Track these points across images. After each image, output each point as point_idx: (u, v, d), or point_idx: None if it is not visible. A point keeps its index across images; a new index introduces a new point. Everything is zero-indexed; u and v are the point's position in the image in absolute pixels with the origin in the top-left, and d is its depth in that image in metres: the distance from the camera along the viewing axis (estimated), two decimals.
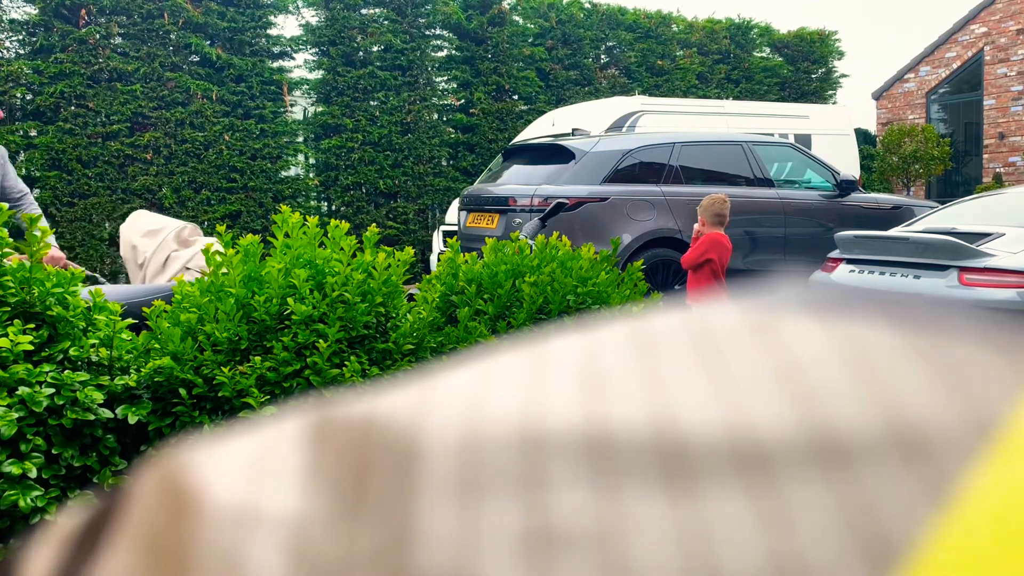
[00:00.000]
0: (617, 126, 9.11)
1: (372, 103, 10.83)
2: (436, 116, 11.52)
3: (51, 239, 3.44)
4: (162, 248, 3.46)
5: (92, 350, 1.72)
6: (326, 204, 10.99)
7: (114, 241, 9.26)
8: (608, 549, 0.16)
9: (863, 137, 15.29)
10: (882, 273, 4.67)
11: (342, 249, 1.91)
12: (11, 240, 1.76)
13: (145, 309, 1.81)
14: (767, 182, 7.01)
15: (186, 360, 1.72)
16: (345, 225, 1.95)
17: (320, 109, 10.79)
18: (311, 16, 10.76)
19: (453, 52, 11.73)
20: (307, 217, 1.95)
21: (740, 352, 0.19)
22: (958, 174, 15.69)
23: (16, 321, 1.61)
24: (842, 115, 11.34)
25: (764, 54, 14.41)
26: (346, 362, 1.79)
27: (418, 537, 0.17)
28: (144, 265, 3.47)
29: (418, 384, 0.21)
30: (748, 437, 0.17)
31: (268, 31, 10.39)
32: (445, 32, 11.68)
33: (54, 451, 1.58)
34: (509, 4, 11.95)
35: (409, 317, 1.97)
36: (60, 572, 0.22)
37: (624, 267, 5.55)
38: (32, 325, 1.68)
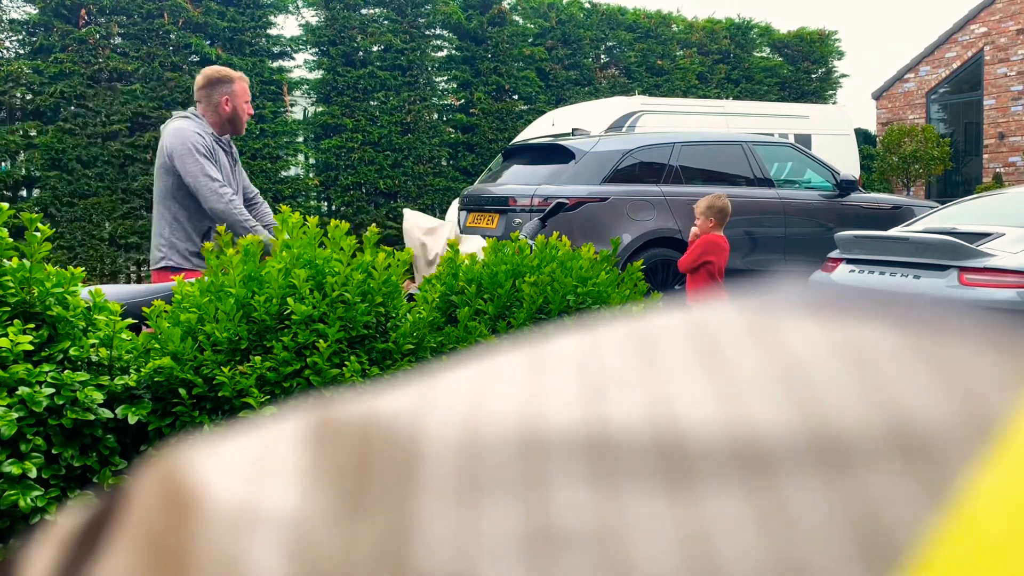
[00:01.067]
0: (617, 126, 9.11)
1: (372, 103, 10.83)
2: (436, 116, 11.52)
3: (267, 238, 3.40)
4: (438, 244, 3.75)
5: (92, 350, 1.72)
6: (326, 204, 10.99)
7: (114, 241, 9.27)
8: (608, 549, 0.16)
9: (863, 137, 15.29)
10: (882, 273, 4.67)
11: (342, 249, 1.91)
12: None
13: (145, 309, 1.81)
14: (767, 182, 7.01)
15: (186, 360, 1.72)
16: (345, 225, 1.95)
17: (320, 109, 10.79)
18: (311, 16, 10.76)
19: (453, 52, 11.73)
20: (307, 217, 1.95)
21: (740, 352, 0.19)
22: (958, 174, 15.69)
23: (16, 321, 1.61)
24: (842, 115, 11.34)
25: (764, 54, 14.41)
26: (346, 362, 1.79)
27: (418, 537, 0.17)
28: (434, 262, 3.70)
29: (418, 384, 0.21)
30: (748, 437, 0.17)
31: (268, 31, 10.39)
32: (445, 32, 11.68)
33: (54, 451, 1.58)
34: (509, 4, 11.95)
35: (409, 317, 1.97)
36: (60, 572, 0.22)
37: (624, 267, 5.55)
38: (32, 325, 1.68)
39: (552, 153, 6.61)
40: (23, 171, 9.03)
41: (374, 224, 2.54)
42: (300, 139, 10.83)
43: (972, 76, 15.55)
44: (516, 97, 12.10)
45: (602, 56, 12.97)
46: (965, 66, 15.60)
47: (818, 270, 5.25)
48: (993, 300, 4.05)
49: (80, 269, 1.79)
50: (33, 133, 9.08)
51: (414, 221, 3.85)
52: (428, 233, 3.79)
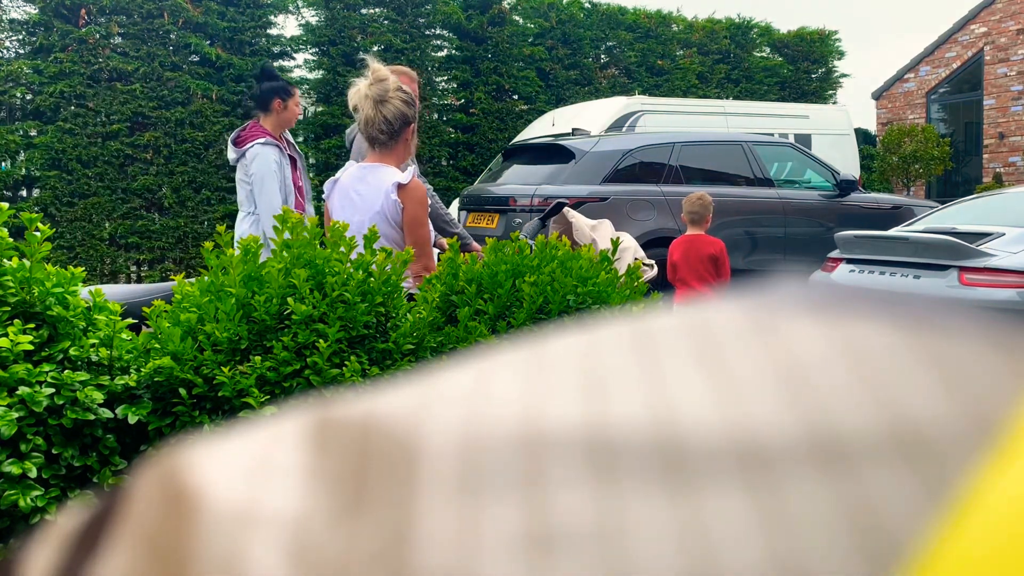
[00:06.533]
0: (617, 126, 9.11)
1: None
2: (436, 116, 11.51)
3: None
4: (605, 240, 3.96)
5: (92, 350, 1.72)
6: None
7: (114, 241, 9.27)
8: (608, 549, 0.16)
9: (863, 137, 15.28)
10: (882, 273, 4.67)
11: (342, 249, 1.90)
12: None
13: (145, 309, 1.81)
14: (767, 182, 7.01)
15: (186, 360, 1.72)
16: (345, 225, 1.95)
17: (320, 109, 10.78)
18: (311, 16, 10.76)
19: (453, 52, 11.72)
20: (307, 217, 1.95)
21: (740, 352, 0.19)
22: (958, 174, 15.69)
23: (16, 321, 1.61)
24: (842, 115, 11.34)
25: (764, 54, 14.40)
26: (346, 362, 1.79)
27: (418, 537, 0.17)
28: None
29: (418, 384, 0.21)
30: (749, 436, 0.17)
31: (268, 31, 10.39)
32: (445, 32, 11.67)
33: (54, 451, 1.58)
34: (509, 4, 11.94)
35: (409, 317, 1.97)
36: (60, 572, 0.22)
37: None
38: (32, 325, 1.68)
39: (552, 153, 6.61)
40: (23, 171, 9.02)
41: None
42: (300, 139, 10.83)
43: (972, 76, 15.54)
44: (516, 97, 12.09)
45: (602, 56, 12.96)
46: (965, 66, 15.60)
47: (818, 270, 5.25)
48: (993, 300, 4.05)
49: (80, 269, 1.79)
50: (33, 133, 9.07)
51: (582, 219, 4.12)
52: (593, 229, 4.08)
